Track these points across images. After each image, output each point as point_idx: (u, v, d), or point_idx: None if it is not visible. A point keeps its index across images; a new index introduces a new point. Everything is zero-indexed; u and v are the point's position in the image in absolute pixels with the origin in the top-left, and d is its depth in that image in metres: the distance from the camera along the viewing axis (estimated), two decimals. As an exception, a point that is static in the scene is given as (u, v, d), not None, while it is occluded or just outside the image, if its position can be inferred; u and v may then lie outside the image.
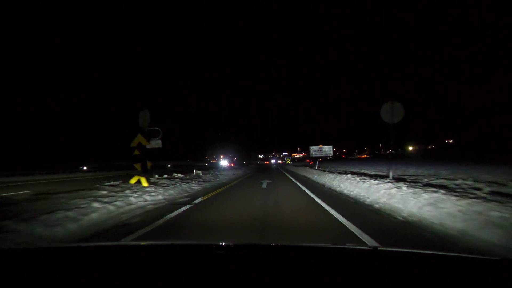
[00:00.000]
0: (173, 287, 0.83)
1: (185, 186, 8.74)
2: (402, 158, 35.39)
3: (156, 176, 13.73)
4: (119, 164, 31.82)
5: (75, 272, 0.93)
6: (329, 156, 34.18)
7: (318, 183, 10.80)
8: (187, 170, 18.31)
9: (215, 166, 39.11)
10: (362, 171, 13.74)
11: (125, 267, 0.98)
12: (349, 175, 8.75)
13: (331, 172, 12.33)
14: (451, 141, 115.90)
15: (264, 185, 10.06)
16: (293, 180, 12.88)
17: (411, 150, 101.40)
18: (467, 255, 1.31)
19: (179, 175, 14.59)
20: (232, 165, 40.98)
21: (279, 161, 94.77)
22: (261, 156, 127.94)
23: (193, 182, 10.46)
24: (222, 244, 1.27)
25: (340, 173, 11.20)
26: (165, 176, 14.10)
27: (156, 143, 11.21)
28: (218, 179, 13.28)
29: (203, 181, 11.41)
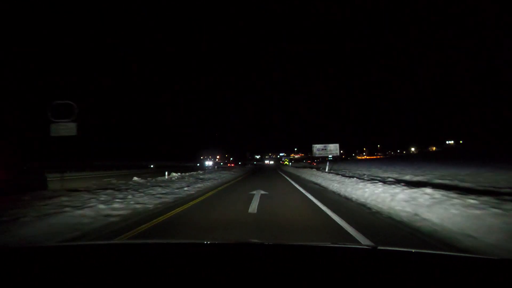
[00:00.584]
0: (169, 286, 0.80)
1: (84, 212, 4.13)
2: (433, 159, 30.82)
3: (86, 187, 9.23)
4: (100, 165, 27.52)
5: (73, 271, 0.91)
6: (329, 157, 29.05)
7: (345, 198, 6.27)
8: (163, 173, 14.86)
9: (204, 167, 34.90)
10: (394, 176, 9.24)
11: (122, 265, 0.97)
12: (404, 188, 4.25)
13: (354, 178, 7.84)
14: (451, 142, 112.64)
15: (255, 204, 5.52)
16: (301, 190, 8.35)
17: (413, 151, 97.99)
18: (466, 254, 1.46)
19: (139, 180, 10.06)
20: (232, 165, 37.98)
21: (271, 162, 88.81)
22: (257, 157, 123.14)
23: (129, 196, 5.89)
24: (220, 243, 1.36)
25: (373, 179, 6.73)
26: (112, 181, 9.64)
27: (65, 128, 6.58)
28: (186, 189, 8.68)
29: (158, 194, 6.86)
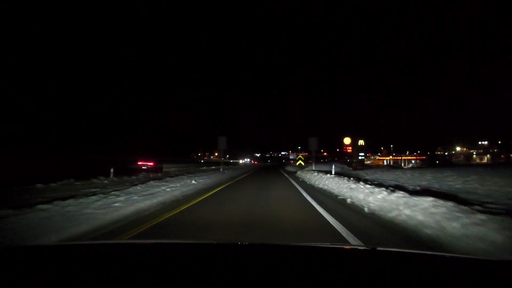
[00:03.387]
0: (166, 285, 0.79)
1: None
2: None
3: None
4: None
5: (74, 270, 0.90)
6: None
7: None
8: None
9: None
10: None
11: (122, 265, 0.97)
12: None
13: None
14: (485, 143, 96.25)
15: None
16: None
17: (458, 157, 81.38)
18: (465, 255, 1.45)
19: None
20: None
21: (247, 160, 70.23)
22: (257, 155, 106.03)
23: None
24: (221, 244, 1.34)
25: None
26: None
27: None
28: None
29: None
